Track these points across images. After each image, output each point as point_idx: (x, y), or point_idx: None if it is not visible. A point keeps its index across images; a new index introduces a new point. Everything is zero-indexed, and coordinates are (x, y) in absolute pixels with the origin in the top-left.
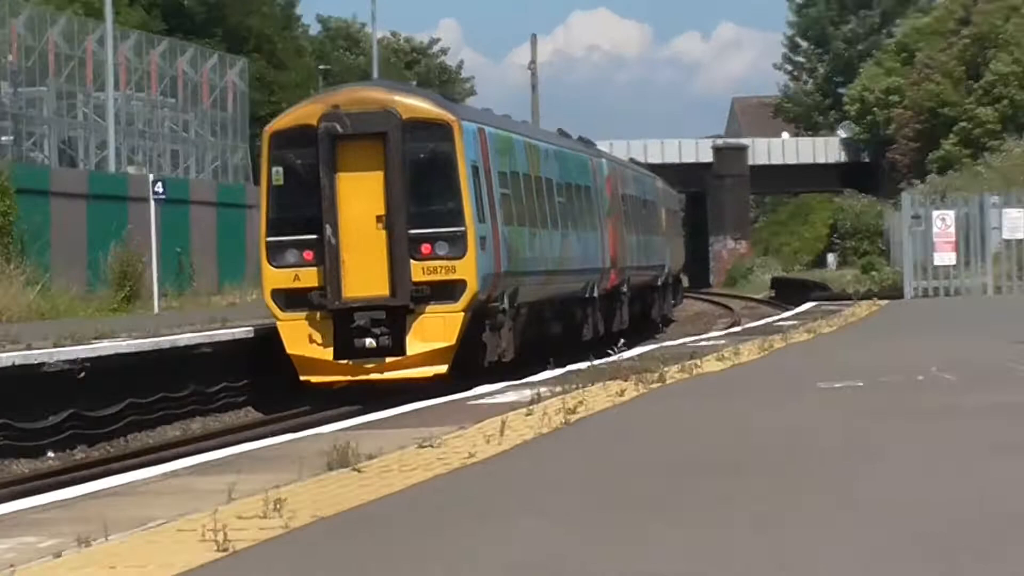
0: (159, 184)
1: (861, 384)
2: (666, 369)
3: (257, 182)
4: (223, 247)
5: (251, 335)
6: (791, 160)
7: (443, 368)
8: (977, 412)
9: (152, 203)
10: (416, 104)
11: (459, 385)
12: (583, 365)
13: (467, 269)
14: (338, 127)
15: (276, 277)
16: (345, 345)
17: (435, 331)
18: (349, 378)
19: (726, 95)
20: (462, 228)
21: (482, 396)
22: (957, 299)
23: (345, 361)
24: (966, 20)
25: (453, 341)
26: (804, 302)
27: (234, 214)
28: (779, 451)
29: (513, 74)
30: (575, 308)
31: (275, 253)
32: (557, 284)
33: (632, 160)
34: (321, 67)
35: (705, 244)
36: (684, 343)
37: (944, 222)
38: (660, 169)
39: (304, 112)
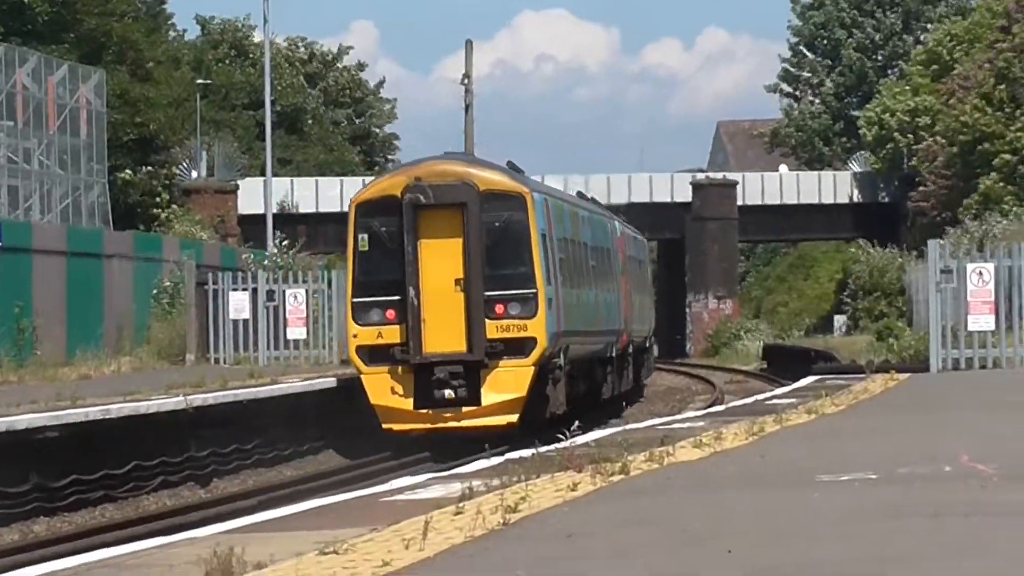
0: None
1: (874, 477)
2: (630, 458)
3: (116, 224)
4: (75, 306)
5: (111, 416)
6: (790, 199)
7: (514, 417)
8: (1020, 512)
9: None
10: (492, 177)
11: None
12: (526, 452)
13: (538, 328)
14: (421, 198)
15: (361, 334)
16: (425, 396)
17: (508, 383)
18: (428, 426)
19: (710, 118)
20: (533, 290)
21: (400, 491)
22: (995, 373)
23: (425, 410)
24: (1007, 28)
25: (524, 393)
26: (804, 375)
27: (89, 265)
28: (772, 568)
29: (443, 90)
30: (597, 367)
31: (360, 312)
32: (591, 343)
33: (591, 199)
34: (200, 81)
35: (682, 304)
36: (653, 425)
37: (981, 277)
38: (627, 211)
39: (388, 184)
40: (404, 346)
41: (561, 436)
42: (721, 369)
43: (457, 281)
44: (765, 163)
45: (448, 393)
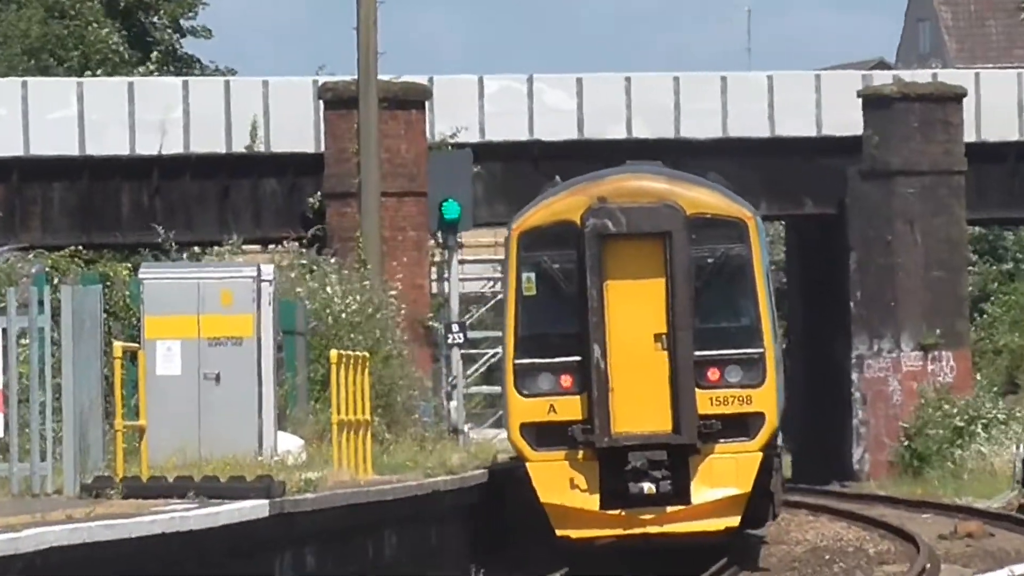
0: None
1: None
2: None
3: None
4: None
5: None
6: None
7: (735, 520)
8: None
9: None
10: (703, 197)
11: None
12: None
13: (766, 400)
14: (609, 225)
15: (526, 408)
16: (615, 492)
17: (727, 475)
18: (620, 532)
19: None
20: (760, 349)
21: None
22: None
23: (616, 511)
24: None
25: (749, 488)
26: None
27: None
28: None
29: None
30: None
31: (525, 379)
32: None
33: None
34: None
35: (839, 359)
36: None
37: None
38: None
39: (562, 206)
40: (587, 424)
41: None
42: (933, 506)
43: (658, 336)
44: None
45: (647, 487)
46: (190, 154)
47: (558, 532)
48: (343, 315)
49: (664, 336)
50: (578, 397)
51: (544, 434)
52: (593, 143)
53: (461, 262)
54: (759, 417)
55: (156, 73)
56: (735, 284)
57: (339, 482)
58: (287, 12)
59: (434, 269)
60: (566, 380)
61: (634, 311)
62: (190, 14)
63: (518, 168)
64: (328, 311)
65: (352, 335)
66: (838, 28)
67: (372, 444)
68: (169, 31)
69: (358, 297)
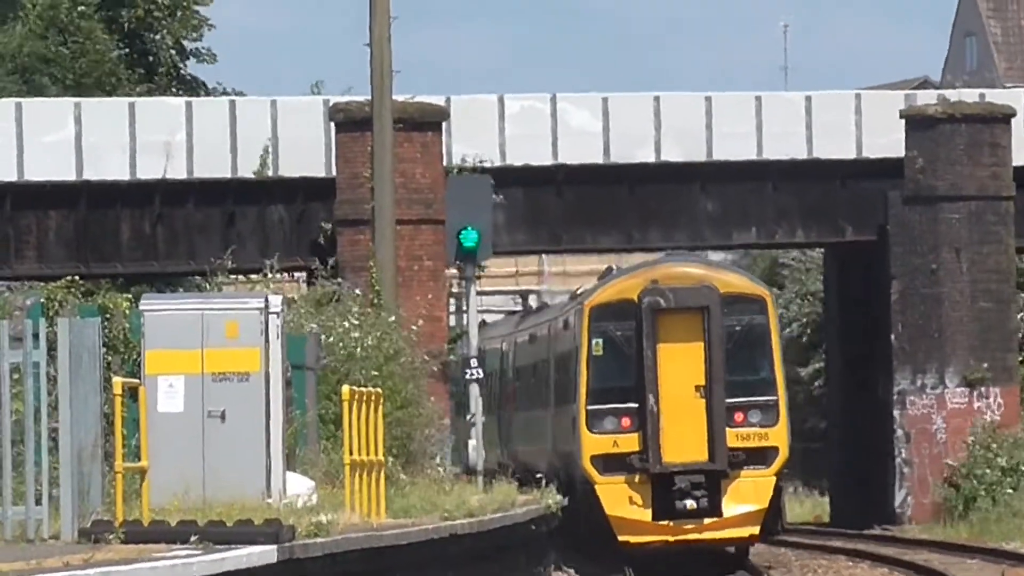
0: None
1: None
2: None
3: None
4: None
5: None
6: None
7: (756, 529)
8: None
9: None
10: (732, 280)
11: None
12: None
13: (779, 436)
14: (661, 301)
15: (595, 443)
16: (664, 507)
17: (749, 494)
18: (669, 538)
19: None
20: (775, 397)
21: None
22: None
23: (665, 522)
24: None
25: (766, 504)
26: None
27: None
28: None
29: None
30: None
31: (594, 421)
32: None
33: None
34: None
35: (880, 394)
36: None
37: None
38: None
39: (624, 287)
40: (642, 454)
41: None
42: (980, 551)
43: (697, 387)
44: None
45: (690, 504)
46: (194, 179)
47: (619, 538)
48: (357, 349)
49: (702, 387)
50: (636, 434)
51: (609, 462)
52: (620, 167)
53: (480, 293)
54: (774, 450)
55: (159, 94)
56: (756, 347)
57: (351, 526)
58: (293, 30)
59: (452, 300)
60: (626, 421)
61: (679, 368)
62: (194, 35)
63: (541, 194)
64: (342, 345)
65: (365, 370)
66: (880, 45)
67: (386, 485)
68: (172, 52)
69: (373, 331)
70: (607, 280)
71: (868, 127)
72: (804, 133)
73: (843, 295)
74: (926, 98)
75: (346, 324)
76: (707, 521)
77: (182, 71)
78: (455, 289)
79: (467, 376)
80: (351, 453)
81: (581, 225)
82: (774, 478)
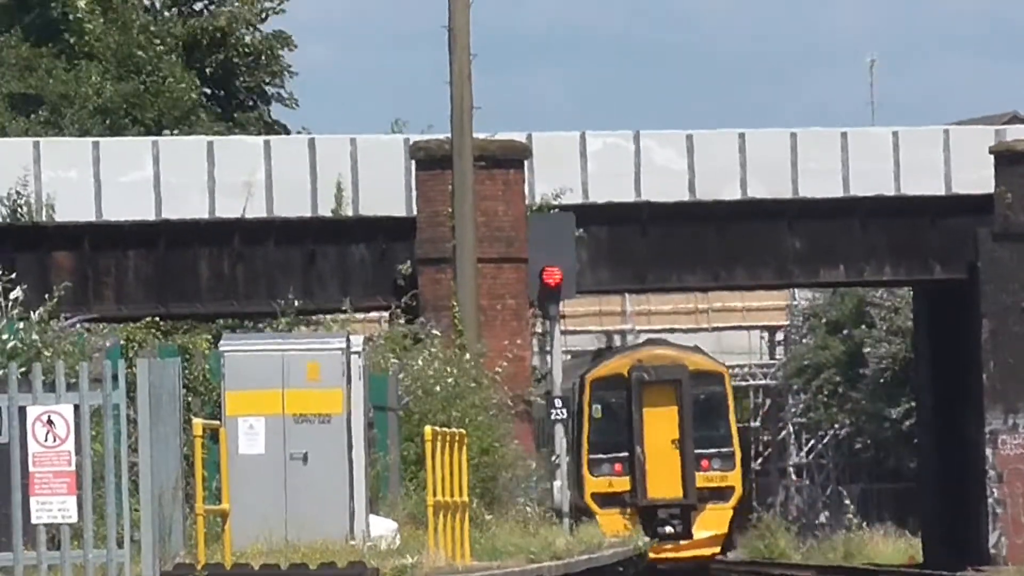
0: None
1: None
2: None
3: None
4: None
5: None
6: None
7: (718, 549)
8: None
9: None
10: (697, 359)
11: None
12: None
13: (735, 478)
14: (645, 376)
15: (595, 484)
16: (648, 532)
17: (713, 522)
18: (653, 556)
19: None
20: (731, 448)
21: None
22: None
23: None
24: None
25: (726, 529)
26: None
27: None
28: None
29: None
30: None
31: (594, 467)
32: None
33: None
34: None
35: (971, 435)
36: None
37: None
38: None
39: (617, 364)
40: (632, 492)
41: None
42: None
43: (673, 441)
44: None
45: (668, 529)
46: (273, 218)
47: None
48: (439, 389)
49: (677, 441)
50: (627, 477)
51: (606, 499)
52: (705, 204)
53: (564, 333)
54: (731, 489)
55: (238, 133)
56: (717, 410)
57: (435, 568)
58: (374, 69)
59: (535, 340)
60: (618, 467)
61: (659, 426)
62: (276, 81)
63: (624, 232)
64: (419, 384)
65: (447, 411)
66: (969, 80)
67: (470, 527)
68: (254, 97)
69: (455, 371)
70: (602, 359)
71: (957, 163)
72: (892, 170)
73: (933, 334)
74: (1015, 133)
75: (425, 362)
76: (682, 543)
77: (264, 116)
78: (538, 329)
79: (552, 416)
80: (434, 494)
81: (666, 263)
82: (732, 511)
